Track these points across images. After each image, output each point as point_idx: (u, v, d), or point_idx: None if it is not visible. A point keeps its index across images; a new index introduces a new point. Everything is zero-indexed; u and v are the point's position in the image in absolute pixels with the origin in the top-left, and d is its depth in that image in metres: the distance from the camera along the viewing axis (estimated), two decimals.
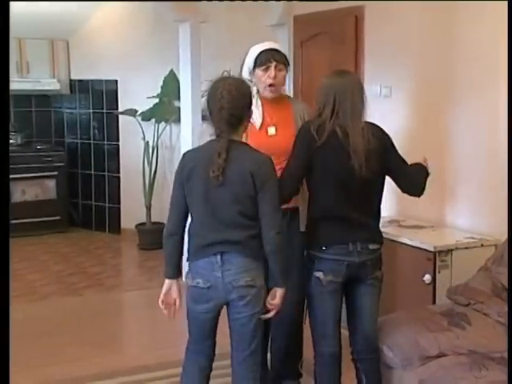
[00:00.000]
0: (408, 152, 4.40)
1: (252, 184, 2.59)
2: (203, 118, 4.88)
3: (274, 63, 3.14)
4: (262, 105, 3.20)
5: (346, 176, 2.82)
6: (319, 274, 2.85)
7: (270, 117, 3.20)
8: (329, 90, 2.87)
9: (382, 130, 2.98)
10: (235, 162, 2.59)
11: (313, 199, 2.94)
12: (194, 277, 2.69)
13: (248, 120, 2.74)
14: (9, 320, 2.25)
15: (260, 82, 3.16)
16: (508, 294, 3.00)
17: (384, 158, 2.90)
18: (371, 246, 2.89)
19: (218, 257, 2.62)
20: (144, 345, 4.20)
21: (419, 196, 3.10)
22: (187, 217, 2.74)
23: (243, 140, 2.76)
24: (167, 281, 2.82)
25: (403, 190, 3.10)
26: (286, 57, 3.24)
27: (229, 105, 2.59)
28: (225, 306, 2.74)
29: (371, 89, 4.63)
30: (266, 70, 3.14)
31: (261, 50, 3.18)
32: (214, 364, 2.89)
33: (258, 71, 3.15)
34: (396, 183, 3.06)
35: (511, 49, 3.35)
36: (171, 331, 4.18)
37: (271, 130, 3.18)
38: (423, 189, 3.08)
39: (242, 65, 3.22)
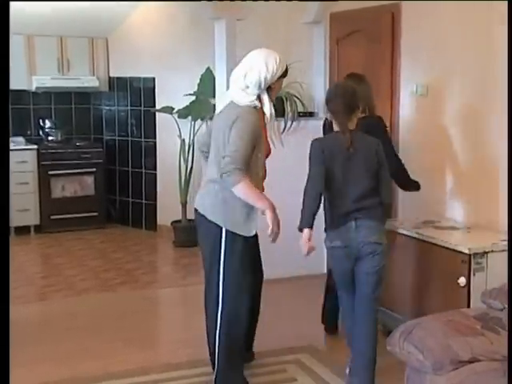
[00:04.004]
0: (444, 151, 4.36)
1: (376, 160, 3.33)
2: None
3: None
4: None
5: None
6: None
7: None
8: None
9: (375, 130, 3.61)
10: (362, 145, 3.32)
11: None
12: (333, 239, 3.36)
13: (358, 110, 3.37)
14: (9, 320, 2.30)
15: (277, 90, 3.41)
16: (508, 295, 2.94)
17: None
18: None
19: (353, 222, 3.29)
20: (177, 342, 4.22)
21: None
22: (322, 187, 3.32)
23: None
24: (306, 230, 3.31)
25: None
26: None
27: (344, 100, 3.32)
28: None
29: (407, 87, 4.60)
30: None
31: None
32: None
33: (282, 80, 3.39)
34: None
35: (511, 49, 3.34)
36: (203, 329, 4.18)
37: None
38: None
39: (260, 72, 3.27)
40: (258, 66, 3.24)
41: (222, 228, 3.25)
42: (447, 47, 4.25)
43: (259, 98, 3.28)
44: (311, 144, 3.39)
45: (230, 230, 3.25)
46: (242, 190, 3.13)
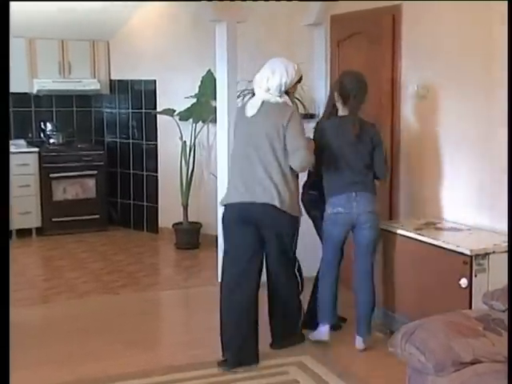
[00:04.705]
0: (445, 152, 4.35)
1: (371, 143, 3.94)
2: None
3: None
4: None
5: None
6: None
7: None
8: None
9: None
10: (363, 130, 3.89)
11: None
12: (335, 206, 3.90)
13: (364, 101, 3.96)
14: (9, 320, 2.30)
15: (294, 93, 3.96)
16: (508, 295, 2.94)
17: None
18: None
19: (354, 193, 3.87)
20: (178, 344, 4.22)
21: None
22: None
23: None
24: None
25: None
26: None
27: (358, 89, 3.91)
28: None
29: (408, 89, 4.60)
30: None
31: None
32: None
33: (297, 85, 3.92)
34: None
35: (511, 49, 3.34)
36: (205, 331, 4.21)
37: None
38: None
39: (286, 77, 3.75)
40: (280, 71, 3.72)
41: (295, 217, 3.81)
42: (448, 48, 4.25)
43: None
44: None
45: (298, 216, 3.85)
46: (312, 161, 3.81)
